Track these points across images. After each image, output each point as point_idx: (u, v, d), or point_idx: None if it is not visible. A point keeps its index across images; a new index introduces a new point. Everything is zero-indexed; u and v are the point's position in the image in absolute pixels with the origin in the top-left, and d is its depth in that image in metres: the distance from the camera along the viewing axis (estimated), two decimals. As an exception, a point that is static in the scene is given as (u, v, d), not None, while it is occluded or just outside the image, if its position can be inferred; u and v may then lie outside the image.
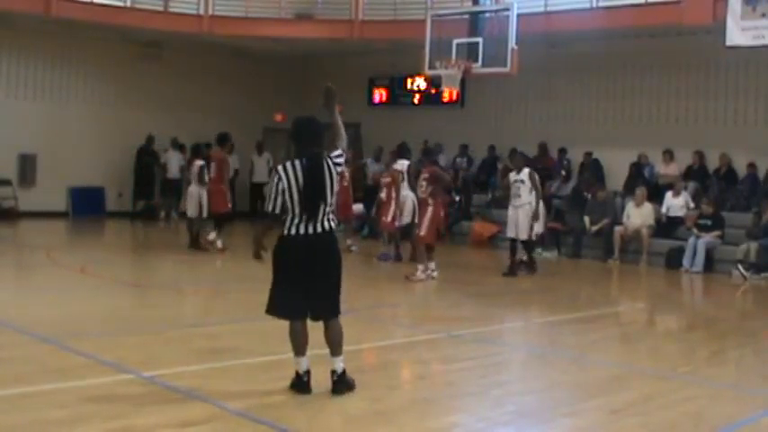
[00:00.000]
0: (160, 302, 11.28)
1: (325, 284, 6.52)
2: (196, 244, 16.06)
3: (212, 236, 15.98)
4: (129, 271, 14.49)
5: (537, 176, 14.61)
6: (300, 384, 6.51)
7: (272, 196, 6.45)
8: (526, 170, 14.47)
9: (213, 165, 16.11)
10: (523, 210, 14.36)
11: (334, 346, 6.57)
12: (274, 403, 6.28)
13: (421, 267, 13.65)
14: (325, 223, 6.48)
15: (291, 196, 6.39)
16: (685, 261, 16.61)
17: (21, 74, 21.54)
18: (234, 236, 17.52)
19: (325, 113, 6.87)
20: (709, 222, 16.77)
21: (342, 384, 6.55)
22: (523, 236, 14.48)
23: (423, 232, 13.81)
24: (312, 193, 6.39)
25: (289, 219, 6.45)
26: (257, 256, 6.72)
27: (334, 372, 6.55)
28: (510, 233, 14.69)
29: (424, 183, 13.90)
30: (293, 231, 6.44)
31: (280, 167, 6.49)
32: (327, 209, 6.48)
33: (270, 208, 6.47)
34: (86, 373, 6.92)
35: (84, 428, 5.57)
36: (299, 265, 6.43)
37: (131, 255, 17.21)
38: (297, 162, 6.46)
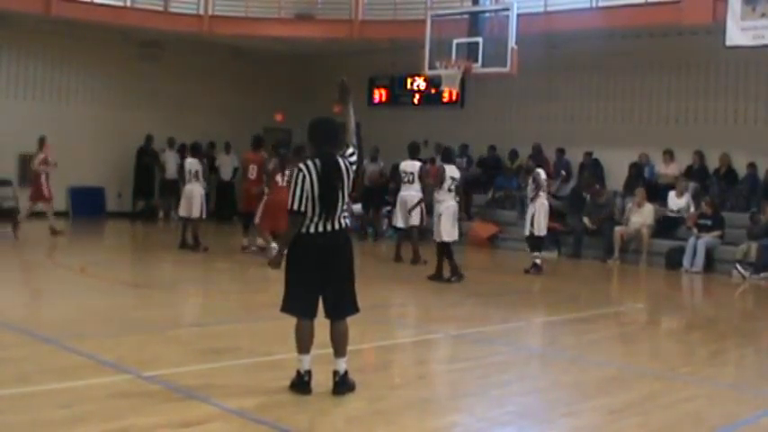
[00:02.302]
0: (160, 302, 11.27)
1: (342, 283, 6.56)
2: (196, 245, 16.04)
3: (260, 241, 15.81)
4: (128, 271, 14.49)
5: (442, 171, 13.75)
6: (301, 384, 6.50)
7: (298, 194, 6.42)
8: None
9: (253, 167, 15.99)
10: (446, 210, 13.62)
11: (339, 346, 6.57)
12: (275, 403, 6.28)
13: (247, 241, 15.00)
14: (341, 221, 6.52)
15: (312, 195, 6.41)
16: (685, 261, 16.62)
17: (20, 74, 21.53)
18: (236, 236, 17.50)
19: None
20: (709, 222, 16.77)
21: (343, 386, 6.55)
22: (439, 237, 13.60)
23: (257, 220, 15.12)
24: (328, 193, 6.41)
25: (306, 218, 6.46)
26: (277, 265, 6.64)
27: (336, 372, 6.55)
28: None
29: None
30: (311, 230, 6.46)
31: (302, 165, 6.49)
32: (343, 207, 6.52)
33: (296, 206, 6.43)
34: (86, 373, 6.92)
35: (84, 428, 5.57)
36: (316, 263, 6.45)
37: (131, 255, 17.21)
38: (313, 162, 6.47)
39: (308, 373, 6.51)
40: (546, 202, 15.27)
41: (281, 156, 15.02)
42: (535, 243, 15.31)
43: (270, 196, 14.74)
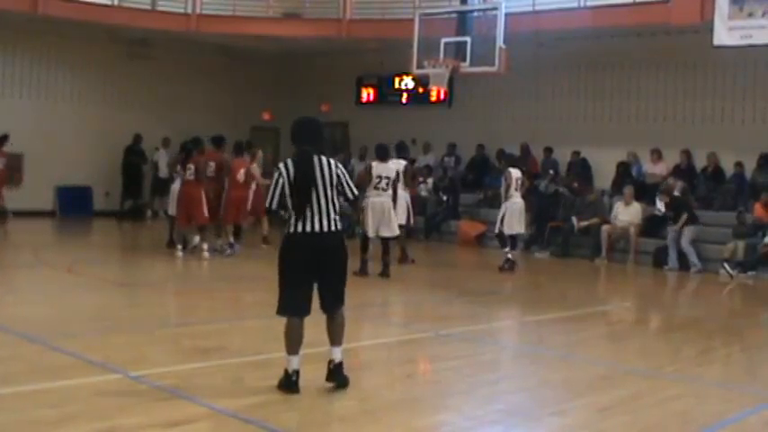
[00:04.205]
0: (147, 302, 11.24)
1: (329, 279, 6.58)
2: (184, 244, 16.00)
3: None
4: (116, 270, 14.45)
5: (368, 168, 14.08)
6: (289, 384, 6.48)
7: (272, 193, 6.55)
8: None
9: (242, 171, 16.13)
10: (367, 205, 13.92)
11: (336, 335, 6.64)
12: (262, 403, 6.26)
13: (179, 246, 15.03)
14: (324, 221, 6.49)
15: (290, 194, 6.49)
16: (669, 261, 16.65)
17: (7, 72, 21.44)
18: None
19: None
20: (671, 213, 16.80)
21: (338, 375, 6.59)
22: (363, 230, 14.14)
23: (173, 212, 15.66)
24: (301, 191, 6.45)
25: (291, 217, 6.53)
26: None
27: (331, 361, 6.59)
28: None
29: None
30: (298, 229, 6.50)
31: (280, 164, 6.59)
32: (324, 207, 6.49)
33: (270, 204, 6.56)
34: (73, 372, 6.90)
35: (71, 428, 5.55)
36: (302, 262, 6.50)
37: (119, 254, 17.16)
38: (292, 161, 6.56)
39: (296, 372, 6.50)
40: (519, 201, 15.26)
41: (187, 150, 15.38)
42: (504, 241, 15.32)
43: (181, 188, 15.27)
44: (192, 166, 14.93)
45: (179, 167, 15.33)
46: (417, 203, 18.33)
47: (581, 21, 18.80)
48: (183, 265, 14.67)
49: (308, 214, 6.47)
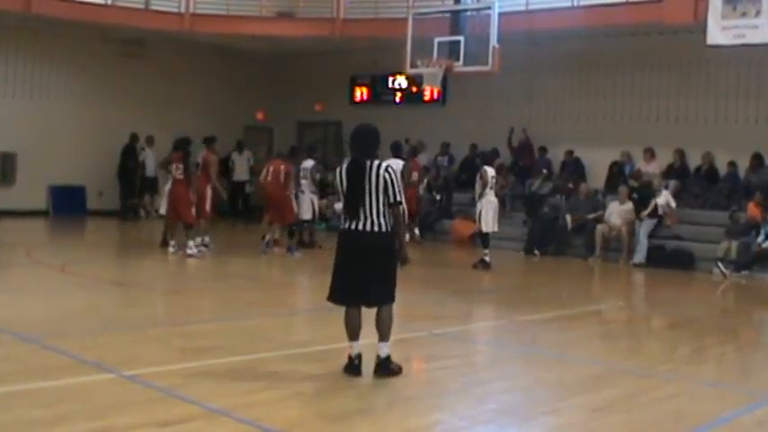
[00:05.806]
0: (141, 301, 11.24)
1: (369, 276, 6.95)
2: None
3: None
4: (110, 270, 14.42)
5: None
6: (352, 367, 7.02)
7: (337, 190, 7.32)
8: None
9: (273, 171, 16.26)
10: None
11: (379, 332, 7.09)
12: (256, 402, 6.26)
13: (190, 243, 14.97)
14: (368, 222, 6.94)
15: (341, 195, 7.10)
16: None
17: (0, 71, 21.38)
18: (217, 234, 17.44)
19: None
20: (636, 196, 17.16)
21: (382, 369, 7.05)
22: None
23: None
24: (350, 194, 6.98)
25: (343, 215, 7.11)
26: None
27: (377, 356, 7.05)
28: None
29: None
30: (344, 226, 7.08)
31: (338, 167, 7.15)
32: (368, 209, 6.90)
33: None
34: (67, 372, 6.89)
35: (66, 428, 5.54)
36: (346, 258, 7.07)
37: (112, 253, 17.13)
38: (345, 166, 7.07)
39: (359, 356, 7.04)
40: (494, 200, 15.37)
41: (184, 150, 15.55)
42: (487, 240, 15.38)
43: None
44: (180, 166, 15.02)
45: (171, 166, 15.35)
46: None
47: (574, 20, 18.84)
48: (177, 265, 14.65)
49: (354, 215, 6.97)
